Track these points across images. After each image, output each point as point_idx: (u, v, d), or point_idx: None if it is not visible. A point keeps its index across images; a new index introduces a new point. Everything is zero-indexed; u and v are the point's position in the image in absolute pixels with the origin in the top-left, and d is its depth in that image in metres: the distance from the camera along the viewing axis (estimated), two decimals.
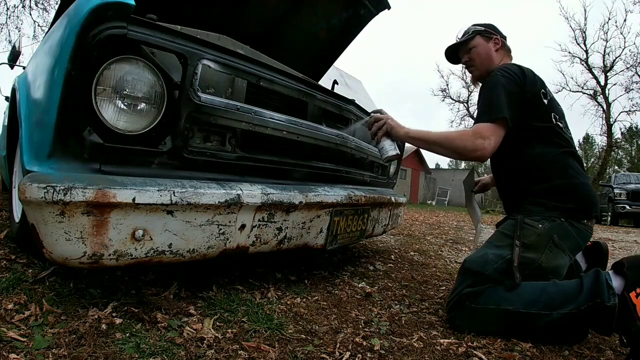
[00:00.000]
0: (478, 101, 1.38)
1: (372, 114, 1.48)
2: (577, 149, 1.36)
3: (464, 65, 1.57)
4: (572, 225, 1.21)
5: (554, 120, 1.32)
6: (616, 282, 1.02)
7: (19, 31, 12.29)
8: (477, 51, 1.50)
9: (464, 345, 1.02)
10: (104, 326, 0.90)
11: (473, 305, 1.12)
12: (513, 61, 1.52)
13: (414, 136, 1.37)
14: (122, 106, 0.92)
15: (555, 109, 1.35)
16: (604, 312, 0.99)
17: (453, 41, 1.58)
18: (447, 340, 1.04)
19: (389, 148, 1.40)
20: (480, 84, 1.53)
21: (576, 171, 1.27)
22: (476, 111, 1.40)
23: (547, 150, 1.28)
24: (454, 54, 1.59)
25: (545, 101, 1.33)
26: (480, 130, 1.25)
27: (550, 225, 1.19)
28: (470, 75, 1.58)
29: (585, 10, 23.16)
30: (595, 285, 1.03)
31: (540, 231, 1.19)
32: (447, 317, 1.19)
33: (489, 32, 1.50)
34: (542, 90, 1.33)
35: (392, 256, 2.28)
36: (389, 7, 2.50)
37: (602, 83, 18.98)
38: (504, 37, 1.53)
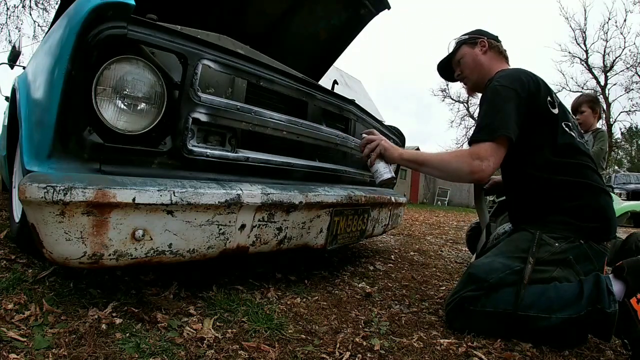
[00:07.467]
0: (478, 116, 1.29)
1: (364, 135, 1.41)
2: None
3: (459, 80, 1.51)
4: (592, 247, 1.14)
5: (567, 129, 1.23)
6: (616, 287, 1.01)
7: (19, 31, 12.30)
8: (465, 61, 1.43)
9: (464, 345, 1.02)
10: (104, 326, 0.90)
11: (472, 307, 1.11)
12: (512, 65, 1.43)
13: (408, 158, 1.32)
14: (122, 106, 0.92)
15: (567, 117, 1.26)
16: (604, 319, 0.98)
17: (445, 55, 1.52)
18: (447, 340, 1.04)
19: (384, 171, 1.34)
20: (477, 94, 1.46)
21: (599, 189, 1.19)
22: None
23: (567, 169, 1.18)
24: (447, 70, 1.54)
25: (555, 111, 1.22)
26: (477, 150, 1.17)
27: (568, 247, 1.13)
28: (465, 87, 1.51)
29: (585, 10, 23.19)
30: (596, 291, 1.01)
31: (555, 250, 1.12)
32: (446, 318, 1.18)
33: (473, 37, 1.43)
34: (549, 98, 1.23)
35: (392, 256, 2.28)
36: (389, 7, 2.51)
37: (602, 83, 19.00)
38: (494, 38, 1.45)
